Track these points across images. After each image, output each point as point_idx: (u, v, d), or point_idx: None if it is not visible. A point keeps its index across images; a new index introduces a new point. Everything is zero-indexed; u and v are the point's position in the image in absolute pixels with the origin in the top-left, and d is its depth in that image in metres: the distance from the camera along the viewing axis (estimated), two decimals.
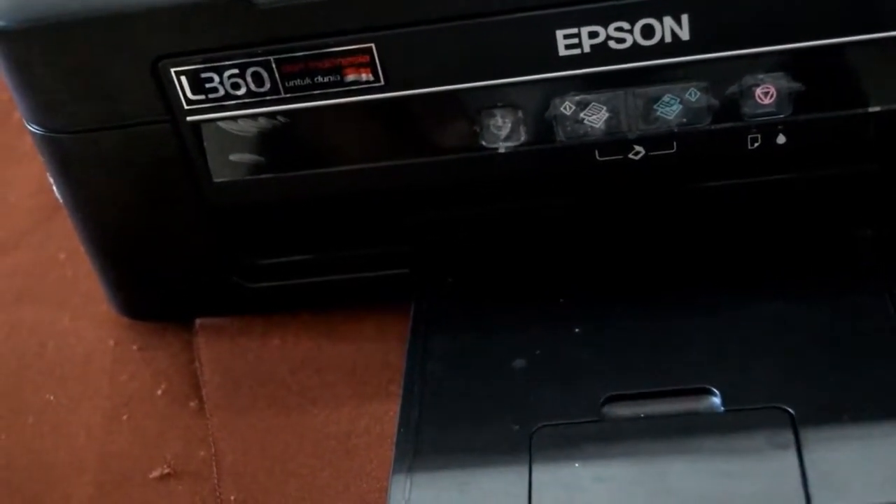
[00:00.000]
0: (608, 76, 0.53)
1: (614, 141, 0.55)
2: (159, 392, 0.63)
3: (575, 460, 0.50)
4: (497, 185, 0.58)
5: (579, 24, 0.51)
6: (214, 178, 0.57)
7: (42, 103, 0.56)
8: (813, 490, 0.46)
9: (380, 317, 0.64)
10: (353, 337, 0.63)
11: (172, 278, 0.63)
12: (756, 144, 0.54)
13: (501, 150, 0.55)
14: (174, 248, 0.61)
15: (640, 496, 0.48)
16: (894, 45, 0.52)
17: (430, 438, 0.53)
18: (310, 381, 0.62)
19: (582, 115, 0.54)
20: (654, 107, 0.54)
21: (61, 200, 0.61)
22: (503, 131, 0.55)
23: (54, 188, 0.60)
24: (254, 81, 0.54)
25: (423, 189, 0.58)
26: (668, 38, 0.52)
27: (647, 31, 0.51)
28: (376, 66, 0.53)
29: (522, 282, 0.60)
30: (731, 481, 0.48)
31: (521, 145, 0.55)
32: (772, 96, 0.53)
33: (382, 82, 0.54)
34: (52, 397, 0.64)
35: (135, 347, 0.66)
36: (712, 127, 0.54)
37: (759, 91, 0.53)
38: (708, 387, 0.52)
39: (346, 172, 0.57)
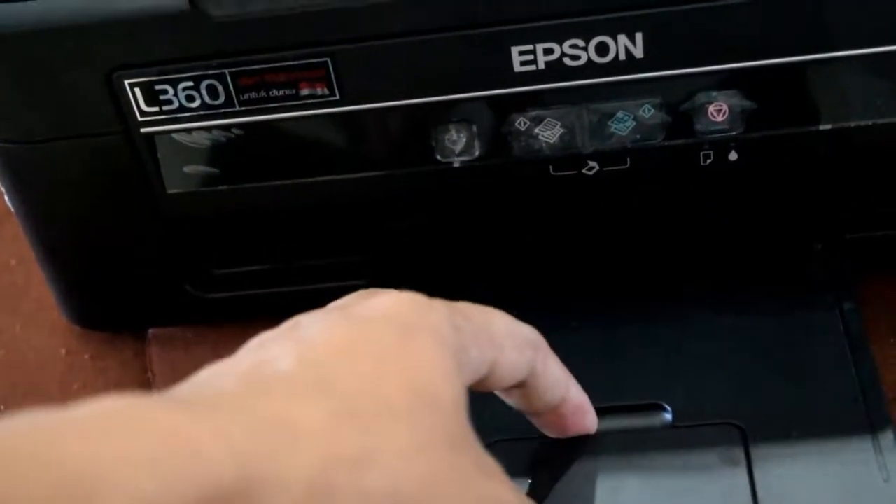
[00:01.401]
0: (563, 92, 0.53)
1: (568, 156, 0.55)
2: None
3: (528, 476, 0.50)
4: (452, 199, 0.58)
5: (534, 41, 0.52)
6: (168, 190, 0.57)
7: None
8: None
9: None
10: None
11: (125, 288, 0.63)
12: (709, 161, 0.55)
13: (456, 165, 0.55)
14: (127, 258, 0.61)
15: None
16: (845, 65, 0.52)
17: None
18: None
19: (536, 130, 0.54)
20: (608, 123, 0.54)
21: (13, 209, 0.60)
22: (458, 146, 0.55)
23: (6, 196, 0.60)
24: (208, 94, 0.54)
25: (378, 201, 0.58)
26: (622, 56, 0.52)
27: (602, 49, 0.52)
28: (332, 81, 0.53)
29: (476, 294, 0.60)
30: (682, 498, 0.48)
31: (476, 160, 0.55)
32: (724, 114, 0.54)
33: (338, 96, 0.54)
34: (2, 407, 0.64)
35: (87, 356, 0.66)
36: (665, 143, 0.54)
37: (711, 108, 0.53)
38: (659, 402, 0.52)
39: (301, 185, 0.57)
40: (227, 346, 0.63)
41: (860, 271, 0.59)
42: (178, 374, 0.63)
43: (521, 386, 0.44)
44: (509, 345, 0.43)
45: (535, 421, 0.48)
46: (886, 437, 0.49)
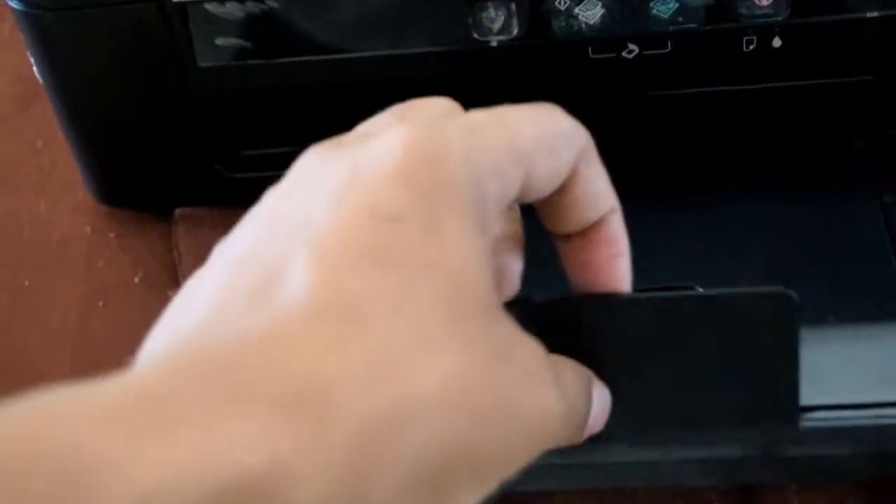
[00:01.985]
0: None
1: (608, 38, 0.54)
2: (136, 280, 0.63)
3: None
4: (488, 79, 0.57)
5: None
6: (199, 63, 0.56)
7: None
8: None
9: None
10: None
11: (153, 165, 0.62)
12: (751, 47, 0.54)
13: (493, 44, 0.54)
14: (155, 135, 0.60)
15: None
16: None
17: None
18: None
19: (576, 10, 0.53)
20: (650, 4, 0.53)
21: (41, 81, 0.59)
22: (496, 24, 0.54)
23: (34, 68, 0.59)
24: None
25: (413, 81, 0.57)
26: None
27: None
28: None
29: None
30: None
31: (514, 39, 0.54)
32: None
33: None
34: (27, 282, 0.64)
35: (112, 235, 0.65)
36: (708, 27, 0.53)
37: None
38: (694, 286, 0.51)
39: (335, 62, 0.56)
40: None
41: None
42: (204, 253, 0.62)
43: (556, 193, 0.38)
44: (542, 150, 0.36)
45: (563, 252, 0.41)
46: None
